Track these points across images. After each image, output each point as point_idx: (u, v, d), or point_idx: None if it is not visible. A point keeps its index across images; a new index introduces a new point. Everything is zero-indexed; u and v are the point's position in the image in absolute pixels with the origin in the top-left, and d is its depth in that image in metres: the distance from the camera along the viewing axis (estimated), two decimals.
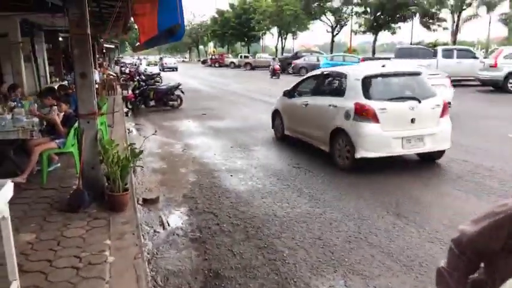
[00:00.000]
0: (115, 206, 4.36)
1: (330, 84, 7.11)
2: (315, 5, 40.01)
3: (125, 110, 13.39)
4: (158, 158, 7.21)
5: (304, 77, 8.27)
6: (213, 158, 7.08)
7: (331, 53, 36.65)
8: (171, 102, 13.54)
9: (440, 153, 6.37)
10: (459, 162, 6.33)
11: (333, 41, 42.31)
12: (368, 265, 3.41)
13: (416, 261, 3.45)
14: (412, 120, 5.90)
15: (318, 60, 29.85)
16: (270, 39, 67.07)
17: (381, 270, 3.33)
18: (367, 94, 5.99)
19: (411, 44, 29.93)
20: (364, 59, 24.79)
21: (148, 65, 37.19)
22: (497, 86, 15.24)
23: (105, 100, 8.36)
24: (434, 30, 34.76)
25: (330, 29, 41.93)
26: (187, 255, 3.72)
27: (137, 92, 13.24)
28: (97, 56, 22.36)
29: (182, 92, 13.88)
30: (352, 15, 39.47)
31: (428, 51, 20.28)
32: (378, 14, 36.84)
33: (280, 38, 57.41)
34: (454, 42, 28.77)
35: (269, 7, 48.88)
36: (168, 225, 4.39)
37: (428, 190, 5.20)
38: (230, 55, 59.31)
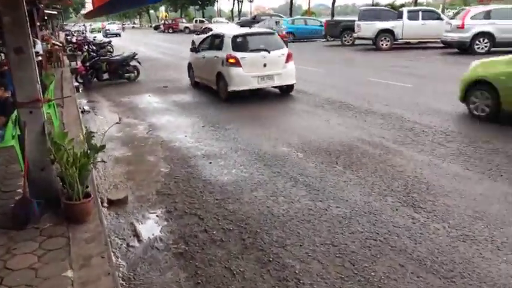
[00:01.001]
0: (75, 217, 3.48)
1: (214, 42, 9.74)
2: None
3: (75, 84, 12.02)
4: (120, 143, 6.24)
5: (203, 37, 11.81)
6: (185, 140, 6.21)
7: (291, 16, 35.52)
8: (127, 74, 12.26)
9: (290, 87, 9.28)
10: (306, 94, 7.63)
11: (291, 2, 41.04)
12: (401, 280, 2.80)
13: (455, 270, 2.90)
14: (264, 65, 8.66)
15: (278, 24, 28.72)
16: (225, 2, 64.60)
17: (419, 287, 2.74)
18: (234, 48, 8.71)
19: (373, 5, 29.38)
20: (328, 22, 23.95)
21: (91, 31, 37.59)
22: (463, 48, 15.06)
23: (52, 76, 7.13)
24: None
25: None
26: (174, 278, 2.96)
27: (88, 64, 11.82)
28: (38, 23, 20.10)
29: (139, 63, 12.60)
30: None
31: (393, 12, 19.83)
32: None
33: (236, 1, 55.27)
34: (416, 4, 28.53)
35: None
36: (144, 236, 3.57)
37: (284, 107, 6.52)
38: (184, 20, 56.54)
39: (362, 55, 17.45)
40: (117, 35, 42.88)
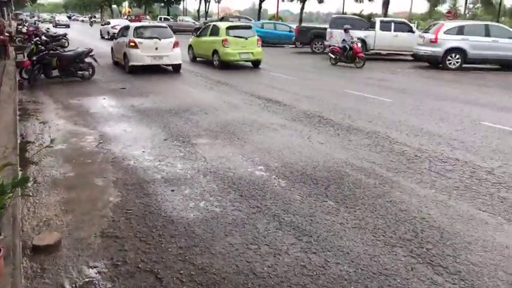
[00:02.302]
0: None
1: (124, 31, 13.43)
2: None
3: (19, 79, 10.59)
4: (62, 158, 5.10)
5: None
6: (142, 158, 5.18)
7: (259, 20, 34.84)
8: (80, 72, 10.95)
9: (177, 66, 12.74)
10: (280, 104, 5.34)
11: (260, 6, 40.40)
12: None
13: None
14: (156, 48, 12.06)
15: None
16: (191, 2, 63.42)
17: None
18: (135, 35, 12.11)
19: (343, 13, 29.20)
20: (299, 28, 23.35)
21: (42, 22, 40.14)
22: (435, 63, 14.86)
23: None
24: (361, 1, 34.55)
25: None
26: None
27: (35, 58, 10.40)
28: None
29: (95, 60, 11.33)
30: None
31: (364, 22, 19.56)
32: None
33: (203, 1, 54.06)
34: (385, 15, 28.63)
35: None
36: None
37: (258, 118, 4.35)
38: (148, 17, 54.55)
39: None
40: (66, 26, 44.66)
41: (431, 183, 4.56)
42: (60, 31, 24.15)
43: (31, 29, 21.89)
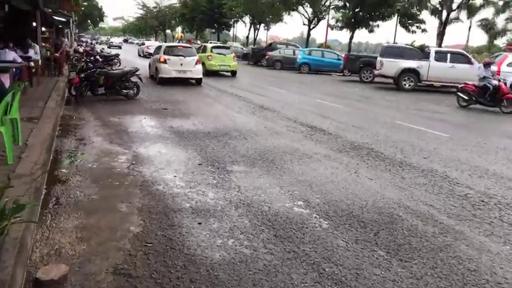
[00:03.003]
0: None
1: (158, 49, 16.41)
2: None
3: (67, 95, 10.80)
4: (90, 178, 4.83)
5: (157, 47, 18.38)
6: (173, 183, 4.80)
7: (306, 47, 34.71)
8: (125, 91, 11.00)
9: (198, 79, 15.04)
10: (325, 133, 4.60)
11: (309, 34, 40.36)
12: None
13: None
14: (181, 64, 14.37)
15: (294, 53, 27.77)
16: (241, 29, 65.21)
17: None
18: (165, 53, 14.76)
19: (394, 43, 28.42)
20: (348, 56, 22.81)
21: (99, 43, 47.81)
22: None
23: (18, 87, 5.80)
24: (413, 31, 33.60)
25: (306, 22, 39.91)
26: None
27: (83, 75, 10.58)
28: (42, 28, 19.16)
29: (140, 80, 11.38)
30: (329, 9, 37.66)
31: (417, 52, 18.74)
32: (357, 9, 35.23)
33: (252, 28, 55.05)
34: (440, 45, 27.49)
35: None
36: None
37: (300, 147, 3.50)
38: (198, 41, 56.27)
39: (383, 94, 16.17)
40: (119, 47, 49.66)
41: (504, 237, 3.81)
42: (113, 51, 25.62)
43: (87, 49, 22.93)
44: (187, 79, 15.18)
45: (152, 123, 8.21)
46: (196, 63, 14.93)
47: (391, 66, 17.24)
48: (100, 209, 4.01)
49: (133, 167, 5.33)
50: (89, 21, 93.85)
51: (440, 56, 16.64)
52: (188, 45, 19.55)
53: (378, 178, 5.37)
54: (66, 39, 26.16)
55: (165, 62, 14.55)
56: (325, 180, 5.14)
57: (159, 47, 16.59)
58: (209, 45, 19.80)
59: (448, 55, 16.72)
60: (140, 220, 3.79)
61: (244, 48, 39.31)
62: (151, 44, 36.20)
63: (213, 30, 65.27)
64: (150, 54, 22.66)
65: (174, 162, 5.66)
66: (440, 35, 28.07)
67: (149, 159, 5.74)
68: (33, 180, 4.26)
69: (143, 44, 40.72)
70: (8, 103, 4.65)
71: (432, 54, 16.77)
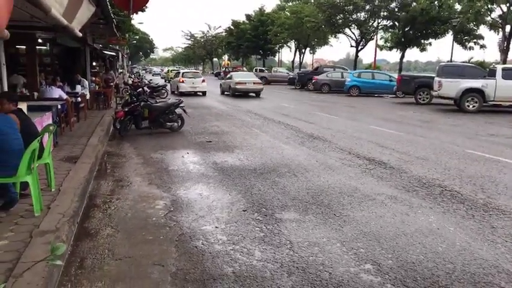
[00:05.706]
0: None
1: (178, 73, 26.93)
2: (339, 17, 37.15)
3: (112, 129, 10.65)
4: (121, 232, 4.26)
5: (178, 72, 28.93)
6: (213, 237, 4.11)
7: (355, 69, 33.68)
8: (169, 124, 10.69)
9: (204, 92, 24.39)
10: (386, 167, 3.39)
11: (357, 56, 39.33)
12: None
13: None
14: (193, 82, 24.14)
15: (342, 76, 26.90)
16: (286, 53, 65.57)
17: None
18: (182, 75, 24.80)
19: (451, 61, 26.75)
20: (402, 77, 21.55)
21: (151, 73, 59.50)
22: None
23: (50, 129, 5.44)
24: (470, 48, 31.62)
25: (353, 43, 38.98)
26: None
27: (127, 109, 10.40)
28: (93, 63, 19.77)
29: (185, 111, 11.04)
30: (378, 29, 36.54)
31: (480, 70, 17.21)
32: (407, 28, 33.86)
33: (297, 52, 54.89)
34: (505, 62, 25.46)
35: (288, 19, 46.31)
36: None
37: (359, 186, 2.34)
38: (245, 68, 56.88)
39: (445, 117, 14.83)
40: (159, 74, 59.57)
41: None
42: (159, 80, 29.33)
43: (136, 80, 23.46)
44: (195, 92, 24.09)
45: (195, 158, 7.68)
46: (202, 82, 24.02)
47: (451, 86, 15.90)
48: (127, 275, 3.38)
49: (171, 215, 4.72)
50: (140, 53, 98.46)
51: (508, 74, 15.10)
52: (196, 71, 32.74)
53: (461, 228, 4.38)
54: (112, 72, 27.00)
55: (182, 82, 23.80)
56: (395, 232, 4.25)
57: (178, 72, 27.27)
58: (182, 70, 30.82)
59: None
60: None
61: (290, 73, 38.88)
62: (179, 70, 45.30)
63: (259, 57, 65.94)
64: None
65: (216, 207, 5.00)
66: (505, 50, 25.98)
67: (189, 204, 5.12)
68: (57, 237, 3.75)
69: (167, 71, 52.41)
70: (36, 148, 4.24)
71: (499, 72, 15.27)
